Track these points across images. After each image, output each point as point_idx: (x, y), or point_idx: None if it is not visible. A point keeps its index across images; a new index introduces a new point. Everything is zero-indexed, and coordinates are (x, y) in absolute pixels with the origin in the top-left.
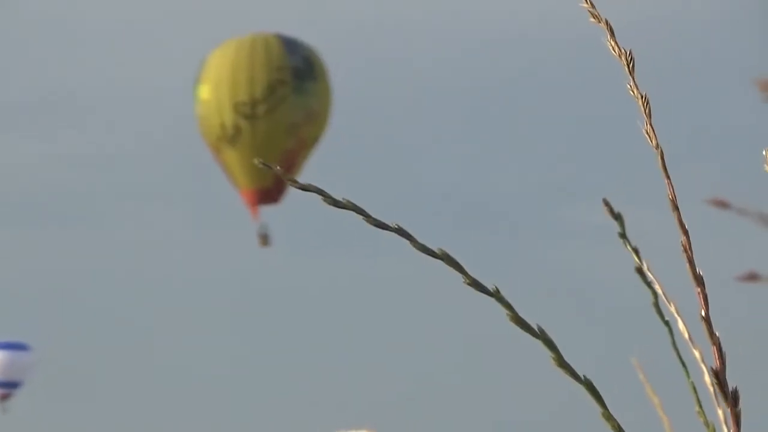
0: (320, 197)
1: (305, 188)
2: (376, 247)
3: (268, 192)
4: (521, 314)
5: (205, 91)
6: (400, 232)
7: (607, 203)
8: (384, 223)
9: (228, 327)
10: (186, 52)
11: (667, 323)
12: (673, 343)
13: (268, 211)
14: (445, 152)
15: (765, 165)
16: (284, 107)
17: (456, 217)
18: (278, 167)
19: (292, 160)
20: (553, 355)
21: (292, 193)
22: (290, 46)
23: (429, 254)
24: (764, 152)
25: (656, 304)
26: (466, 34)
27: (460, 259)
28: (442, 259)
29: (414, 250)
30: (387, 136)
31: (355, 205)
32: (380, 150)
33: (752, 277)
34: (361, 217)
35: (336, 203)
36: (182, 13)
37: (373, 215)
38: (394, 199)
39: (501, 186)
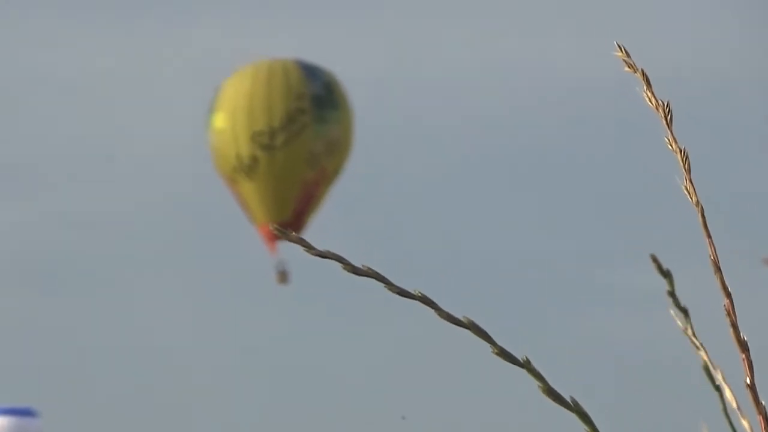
0: (340, 264)
1: (322, 255)
2: (400, 307)
3: (287, 225)
4: (554, 385)
5: (220, 120)
6: (425, 300)
7: (655, 260)
8: (407, 291)
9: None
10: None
11: (718, 388)
12: (724, 410)
13: (286, 246)
14: (475, 208)
15: None
16: (304, 137)
17: (485, 279)
18: (294, 210)
19: (311, 193)
20: (587, 429)
21: (313, 225)
22: (310, 72)
23: (455, 323)
24: None
25: (706, 368)
26: (506, 93)
27: (488, 327)
28: (468, 328)
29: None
30: (411, 174)
31: (377, 273)
32: (404, 188)
33: None
34: (383, 284)
35: (356, 270)
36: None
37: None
38: (418, 244)
39: (533, 249)
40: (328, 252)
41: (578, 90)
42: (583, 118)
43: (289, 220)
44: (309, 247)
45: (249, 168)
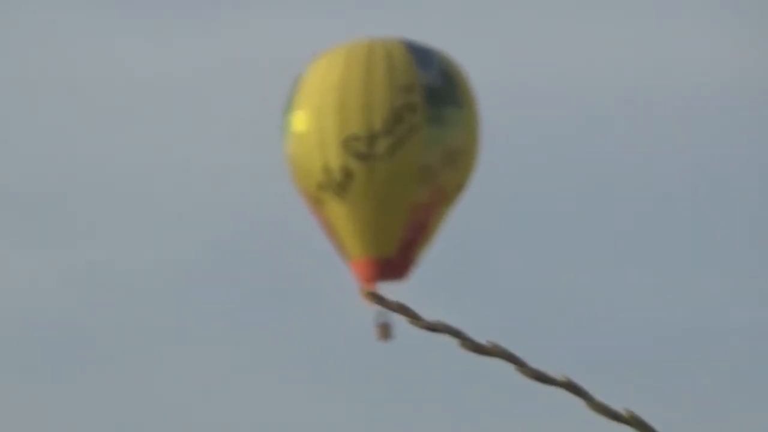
0: (457, 340)
1: (434, 329)
2: (537, 392)
3: (391, 263)
4: None
5: (301, 121)
6: (572, 388)
7: None
8: (548, 377)
9: None
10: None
11: None
12: None
13: (389, 289)
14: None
15: None
16: (414, 143)
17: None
18: (401, 243)
19: (423, 220)
20: None
21: (423, 264)
22: (422, 56)
23: (613, 418)
24: None
25: None
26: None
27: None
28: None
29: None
30: (551, 196)
31: (507, 352)
32: (542, 213)
33: None
34: (514, 366)
35: (479, 349)
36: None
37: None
38: (556, 290)
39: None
40: (441, 324)
41: (726, 93)
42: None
43: (394, 258)
44: (415, 318)
45: (340, 185)
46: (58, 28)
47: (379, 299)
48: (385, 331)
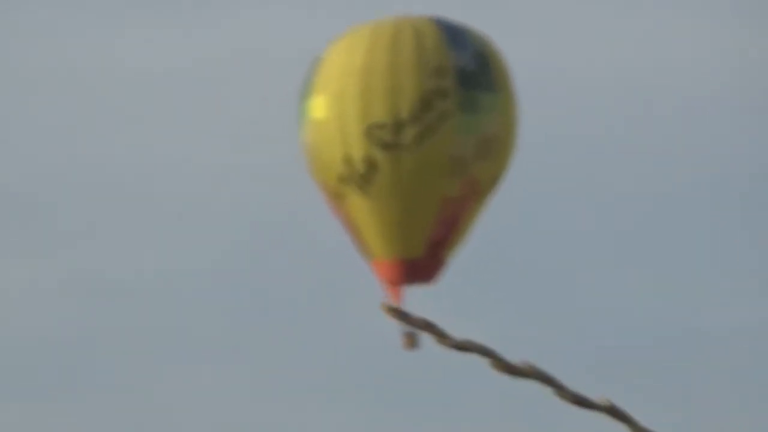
0: (488, 360)
1: (463, 348)
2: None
3: (418, 265)
4: None
5: (319, 107)
6: (615, 413)
7: None
8: (587, 400)
9: None
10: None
11: None
12: None
13: (416, 294)
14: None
15: None
16: (445, 131)
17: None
18: (429, 241)
19: (454, 216)
20: None
21: (454, 266)
22: (454, 35)
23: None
24: None
25: None
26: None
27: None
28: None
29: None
30: (595, 192)
31: (541, 372)
32: (580, 211)
33: None
34: (552, 390)
35: (512, 369)
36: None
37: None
38: (595, 299)
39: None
40: (471, 343)
41: None
42: None
43: (421, 258)
44: (443, 337)
45: (363, 177)
46: (58, 25)
47: (402, 315)
48: (412, 340)
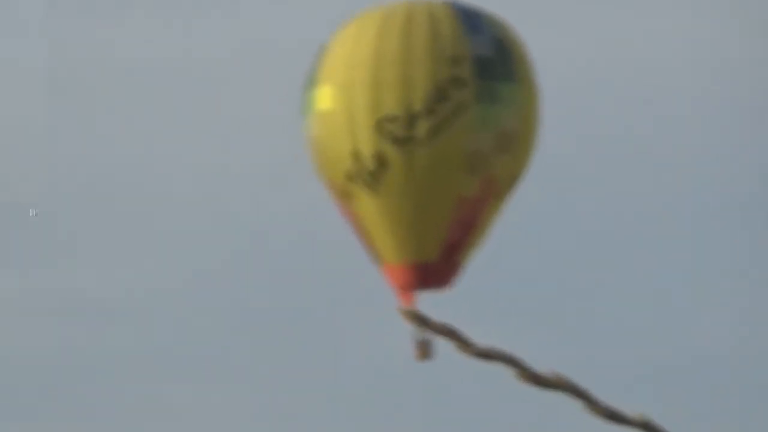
0: (513, 369)
1: (487, 356)
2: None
3: (432, 269)
4: None
5: (325, 98)
6: (647, 427)
7: None
8: (620, 415)
9: None
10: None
11: None
12: None
13: (429, 299)
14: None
15: None
16: (461, 125)
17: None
18: (445, 244)
19: (471, 217)
20: None
21: (470, 270)
22: (472, 21)
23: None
24: None
25: None
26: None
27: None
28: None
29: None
30: (623, 192)
31: (571, 384)
32: (611, 213)
33: None
34: (583, 403)
35: (539, 380)
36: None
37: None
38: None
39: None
40: (496, 351)
41: None
42: None
43: (436, 262)
44: (465, 344)
45: (372, 174)
46: (57, 21)
47: (422, 321)
48: (426, 350)
